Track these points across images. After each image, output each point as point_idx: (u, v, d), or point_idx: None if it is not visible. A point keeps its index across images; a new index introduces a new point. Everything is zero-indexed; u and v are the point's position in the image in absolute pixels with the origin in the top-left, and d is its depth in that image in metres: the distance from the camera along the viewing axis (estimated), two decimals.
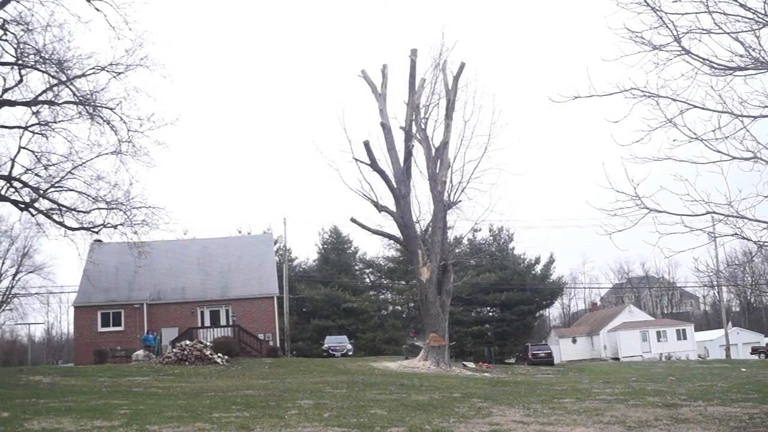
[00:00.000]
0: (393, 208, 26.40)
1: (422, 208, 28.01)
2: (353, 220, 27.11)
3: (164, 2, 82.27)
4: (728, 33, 8.15)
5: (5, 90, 22.42)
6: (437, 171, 26.34)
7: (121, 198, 24.67)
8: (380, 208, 26.29)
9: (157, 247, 30.88)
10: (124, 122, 23.47)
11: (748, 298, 77.93)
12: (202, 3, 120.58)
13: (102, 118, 23.05)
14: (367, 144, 26.03)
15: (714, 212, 8.23)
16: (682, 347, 53.62)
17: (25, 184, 23.83)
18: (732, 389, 13.85)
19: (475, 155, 26.47)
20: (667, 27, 8.29)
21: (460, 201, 26.14)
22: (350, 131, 51.95)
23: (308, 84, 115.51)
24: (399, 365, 23.96)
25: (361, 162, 26.00)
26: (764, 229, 8.20)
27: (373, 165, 26.05)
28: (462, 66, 27.35)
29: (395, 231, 27.20)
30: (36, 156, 23.95)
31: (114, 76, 22.98)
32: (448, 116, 27.03)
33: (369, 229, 27.44)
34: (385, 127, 27.14)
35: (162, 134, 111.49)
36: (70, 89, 22.45)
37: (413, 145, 26.83)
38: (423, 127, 27.35)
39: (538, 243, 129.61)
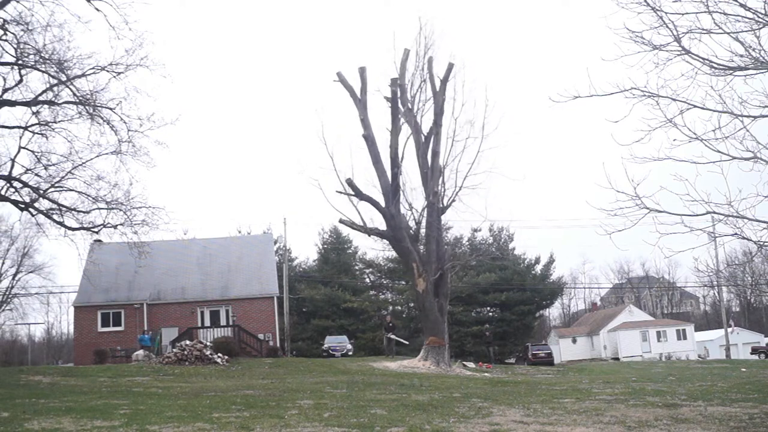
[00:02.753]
0: (385, 216, 24.96)
1: (416, 203, 26.06)
2: (342, 222, 25.81)
3: (164, 2, 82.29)
4: (728, 33, 8.16)
5: (5, 90, 22.44)
6: (429, 179, 24.92)
7: (121, 198, 24.73)
8: (370, 233, 25.22)
9: (157, 247, 30.87)
10: (124, 122, 23.51)
11: (748, 298, 77.94)
12: (202, 3, 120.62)
13: (102, 118, 23.08)
14: (350, 182, 24.27)
15: (714, 212, 8.24)
16: (682, 347, 53.63)
17: (25, 184, 23.84)
18: (732, 389, 13.84)
19: (471, 154, 24.97)
20: (667, 27, 8.30)
21: (454, 201, 25.07)
22: (337, 141, 50.80)
23: (308, 83, 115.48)
24: (399, 365, 23.93)
25: (346, 193, 24.47)
26: (764, 229, 8.22)
27: (359, 195, 24.55)
28: (450, 67, 25.23)
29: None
30: (36, 156, 24.00)
31: (114, 76, 23.03)
32: (437, 122, 25.09)
33: (359, 228, 26.12)
34: (369, 139, 25.02)
35: (162, 134, 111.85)
36: (70, 89, 22.48)
37: (401, 173, 25.03)
38: (410, 107, 25.38)
39: (538, 243, 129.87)
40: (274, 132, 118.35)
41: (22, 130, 23.62)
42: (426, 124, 25.67)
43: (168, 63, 65.60)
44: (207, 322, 34.41)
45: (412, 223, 25.97)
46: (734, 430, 8.27)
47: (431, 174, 25.06)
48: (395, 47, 27.05)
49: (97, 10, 21.60)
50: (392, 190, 24.69)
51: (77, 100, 22.65)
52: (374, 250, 54.46)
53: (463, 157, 24.99)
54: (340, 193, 24.54)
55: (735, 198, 8.05)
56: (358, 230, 25.82)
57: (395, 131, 24.95)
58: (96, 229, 25.38)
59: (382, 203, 24.86)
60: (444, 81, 25.30)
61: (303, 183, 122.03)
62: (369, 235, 25.61)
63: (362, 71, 25.58)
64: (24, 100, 22.70)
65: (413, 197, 25.83)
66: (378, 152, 25.18)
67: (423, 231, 25.49)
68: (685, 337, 55.33)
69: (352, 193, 24.54)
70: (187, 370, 22.10)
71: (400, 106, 25.23)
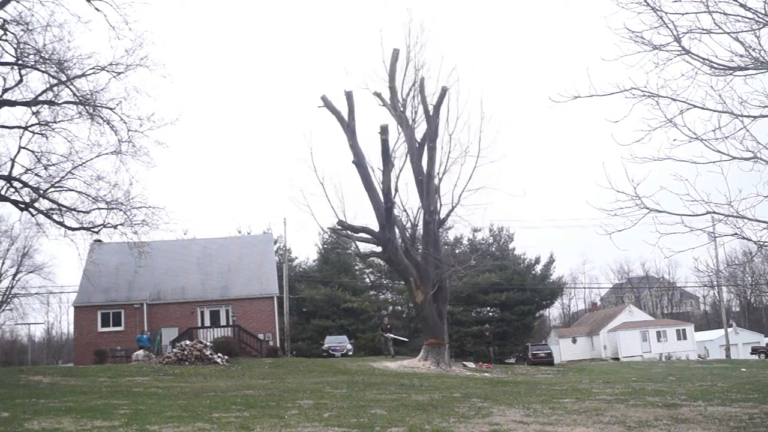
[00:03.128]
0: (380, 242, 24.45)
1: (411, 201, 26.03)
2: (335, 232, 25.46)
3: (164, 2, 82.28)
4: (728, 33, 8.16)
5: (5, 90, 22.46)
6: (425, 196, 24.46)
7: (121, 198, 24.76)
8: (364, 258, 25.25)
9: (157, 247, 30.87)
10: (124, 122, 23.54)
11: (748, 298, 77.95)
12: (202, 3, 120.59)
13: (102, 118, 23.10)
14: (342, 223, 23.92)
15: (714, 212, 8.24)
16: (682, 347, 53.64)
17: (25, 184, 23.86)
18: (732, 389, 13.85)
19: (467, 168, 24.36)
20: (667, 27, 8.31)
21: (452, 214, 24.68)
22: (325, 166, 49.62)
23: (308, 82, 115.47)
24: (399, 365, 23.94)
25: (340, 230, 24.08)
26: (764, 229, 8.22)
27: (352, 229, 24.35)
28: (443, 92, 24.40)
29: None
30: (36, 156, 24.03)
31: (114, 76, 23.05)
32: (432, 145, 24.36)
33: (351, 237, 25.80)
34: (360, 166, 24.12)
35: (162, 134, 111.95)
36: (70, 89, 22.50)
37: (395, 206, 24.33)
38: (402, 109, 24.50)
39: (538, 243, 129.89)
40: (274, 131, 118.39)
41: (22, 130, 23.65)
42: (419, 124, 25.06)
43: (168, 63, 65.76)
44: (207, 322, 34.42)
45: (408, 224, 25.76)
46: (734, 430, 8.27)
47: (426, 193, 24.45)
48: (383, 45, 25.28)
49: (97, 10, 21.64)
50: (386, 220, 24.05)
51: (77, 100, 22.67)
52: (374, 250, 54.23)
53: (458, 171, 24.42)
54: (334, 230, 24.20)
55: (735, 198, 8.06)
56: (355, 240, 25.62)
57: (387, 171, 23.93)
58: (96, 229, 25.41)
59: (376, 226, 24.40)
60: (437, 106, 24.56)
61: (302, 183, 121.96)
62: (364, 261, 25.36)
63: (349, 96, 24.36)
64: (24, 100, 22.72)
65: (408, 194, 25.36)
66: (370, 177, 24.25)
67: (420, 230, 25.23)
68: (685, 337, 55.33)
69: (345, 228, 24.28)
70: (187, 370, 22.10)
71: (389, 144, 24.24)
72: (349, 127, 24.23)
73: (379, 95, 24.62)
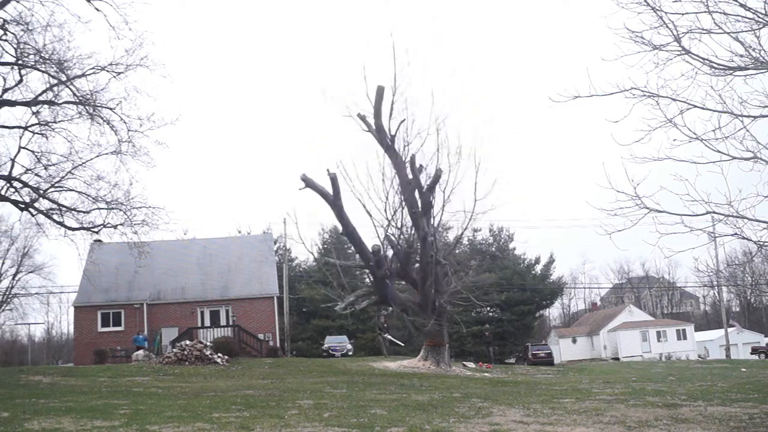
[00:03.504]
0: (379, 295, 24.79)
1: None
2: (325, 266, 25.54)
3: (164, 2, 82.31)
4: (728, 33, 8.17)
5: (5, 90, 22.47)
6: (422, 250, 24.06)
7: (121, 198, 24.78)
8: (359, 309, 25.51)
9: (157, 247, 30.87)
10: (124, 122, 23.55)
11: (748, 298, 77.94)
12: (202, 3, 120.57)
13: (102, 118, 23.12)
14: (341, 307, 24.03)
15: (714, 212, 8.25)
16: (682, 347, 53.64)
17: (25, 184, 23.88)
18: (732, 389, 13.85)
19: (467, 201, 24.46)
20: (667, 27, 8.31)
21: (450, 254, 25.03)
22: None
23: (308, 81, 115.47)
24: (399, 365, 23.95)
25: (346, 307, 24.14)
26: (764, 229, 8.23)
27: (353, 304, 24.43)
28: (438, 174, 23.41)
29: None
30: (36, 156, 24.04)
31: (114, 76, 23.07)
32: (427, 217, 23.73)
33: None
34: (351, 235, 23.92)
35: (162, 134, 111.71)
36: (70, 89, 22.52)
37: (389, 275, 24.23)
38: (390, 143, 23.59)
39: (538, 243, 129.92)
40: (273, 131, 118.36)
41: (22, 130, 23.66)
42: (408, 156, 24.08)
43: (168, 63, 65.81)
44: (207, 322, 34.42)
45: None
46: (734, 430, 8.27)
47: (422, 246, 23.89)
48: (367, 79, 23.76)
49: (97, 10, 21.66)
50: (381, 286, 24.00)
51: (77, 100, 22.68)
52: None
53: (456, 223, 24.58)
54: (333, 306, 24.69)
55: (735, 198, 8.07)
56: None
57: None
58: (96, 229, 25.42)
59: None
60: (431, 186, 23.81)
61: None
62: (361, 309, 25.73)
63: (333, 179, 23.01)
64: (24, 100, 22.73)
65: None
66: (363, 244, 23.93)
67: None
68: (685, 337, 55.33)
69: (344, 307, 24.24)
70: (187, 370, 22.10)
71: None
72: (335, 205, 23.20)
73: (363, 118, 23.45)
